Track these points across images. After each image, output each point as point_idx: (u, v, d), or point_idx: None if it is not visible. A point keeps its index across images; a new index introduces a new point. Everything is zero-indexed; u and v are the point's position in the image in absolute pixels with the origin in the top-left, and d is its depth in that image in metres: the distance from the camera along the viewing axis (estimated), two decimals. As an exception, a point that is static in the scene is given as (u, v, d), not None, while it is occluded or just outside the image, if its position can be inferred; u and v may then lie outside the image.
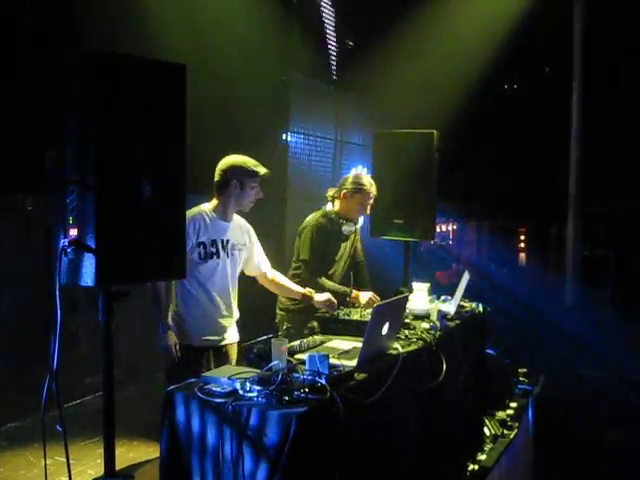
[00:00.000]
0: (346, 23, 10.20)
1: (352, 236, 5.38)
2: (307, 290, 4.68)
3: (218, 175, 4.27)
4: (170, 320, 4.26)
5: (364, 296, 4.98)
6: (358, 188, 5.13)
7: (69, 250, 2.99)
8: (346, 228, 5.19)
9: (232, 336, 4.42)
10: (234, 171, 4.23)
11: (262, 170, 4.27)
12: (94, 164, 2.96)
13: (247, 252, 4.49)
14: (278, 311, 5.17)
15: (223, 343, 4.35)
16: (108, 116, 3.01)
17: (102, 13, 6.18)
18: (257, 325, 4.89)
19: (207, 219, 4.22)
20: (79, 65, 3.08)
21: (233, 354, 4.42)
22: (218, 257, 4.25)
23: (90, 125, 2.99)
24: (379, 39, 10.37)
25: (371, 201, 5.23)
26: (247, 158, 4.29)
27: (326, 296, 4.62)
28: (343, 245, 5.29)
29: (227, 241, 4.30)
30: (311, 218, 5.21)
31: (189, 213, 4.02)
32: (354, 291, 5.04)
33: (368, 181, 5.20)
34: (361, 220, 5.46)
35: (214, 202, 4.30)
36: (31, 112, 5.53)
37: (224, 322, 4.34)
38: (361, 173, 5.50)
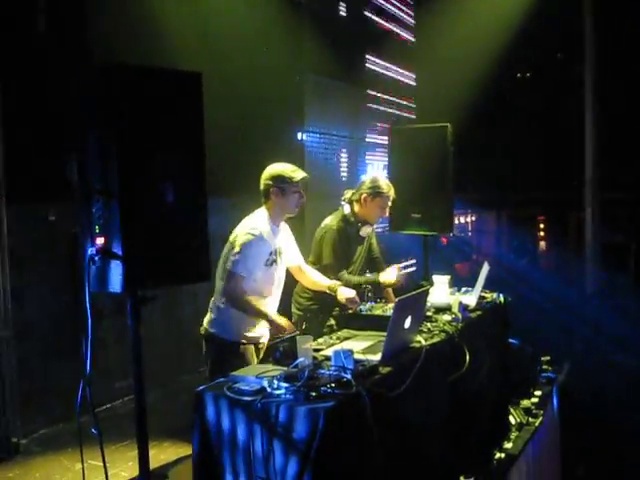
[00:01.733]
0: (359, 19, 10.23)
1: (369, 236, 5.43)
2: (333, 283, 4.76)
3: (261, 185, 4.45)
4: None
5: (390, 275, 5.03)
6: (377, 192, 5.15)
7: (97, 258, 3.07)
8: (364, 230, 5.25)
9: (267, 334, 4.53)
10: (273, 180, 4.40)
11: (299, 175, 4.43)
12: (117, 173, 3.04)
13: (287, 249, 4.64)
14: (295, 311, 5.20)
15: (262, 340, 4.49)
16: (128, 126, 3.08)
17: (117, 20, 6.27)
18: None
19: (269, 231, 4.38)
20: (97, 78, 3.15)
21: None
22: (276, 264, 4.44)
23: (111, 136, 3.06)
24: (391, 34, 10.43)
25: (390, 203, 5.25)
26: (286, 165, 4.46)
27: (351, 292, 4.66)
28: (359, 247, 5.34)
29: (279, 247, 4.49)
30: (331, 222, 5.21)
31: (263, 228, 4.29)
32: (380, 275, 5.08)
33: (386, 184, 5.21)
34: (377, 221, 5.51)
35: (264, 210, 4.46)
36: (53, 122, 5.64)
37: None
38: (378, 176, 5.50)
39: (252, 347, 4.42)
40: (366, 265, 5.42)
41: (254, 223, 4.34)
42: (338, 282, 4.79)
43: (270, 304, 4.47)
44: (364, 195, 5.17)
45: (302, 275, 4.84)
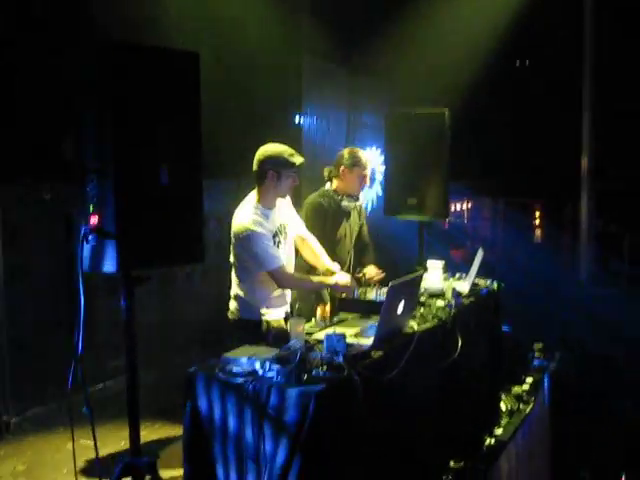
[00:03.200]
0: (358, 4, 10.17)
1: (356, 214, 5.37)
2: (332, 266, 4.65)
3: (256, 165, 4.28)
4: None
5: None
6: (355, 161, 5.15)
7: (90, 237, 3.07)
8: (345, 204, 5.17)
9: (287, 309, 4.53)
10: (270, 162, 4.24)
11: (298, 160, 4.29)
12: (112, 153, 3.03)
13: (291, 222, 4.56)
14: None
15: (279, 316, 4.43)
16: (124, 105, 3.08)
17: (112, 2, 6.24)
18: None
19: (260, 215, 4.26)
20: (94, 55, 3.14)
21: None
22: (281, 243, 4.37)
23: (107, 114, 3.06)
24: (390, 20, 10.37)
25: (368, 172, 5.25)
26: (283, 147, 4.30)
27: (347, 278, 4.51)
28: (345, 224, 5.25)
29: (280, 225, 4.40)
30: (309, 198, 5.19)
31: (252, 223, 4.15)
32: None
33: (362, 153, 5.25)
34: (362, 197, 5.45)
35: (256, 193, 4.34)
36: (48, 101, 5.61)
37: (285, 297, 4.46)
38: (354, 147, 5.50)
39: (280, 322, 4.38)
40: (357, 247, 5.39)
41: (244, 219, 4.19)
42: (337, 265, 4.71)
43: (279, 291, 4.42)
44: (342, 167, 5.16)
45: (304, 246, 4.70)
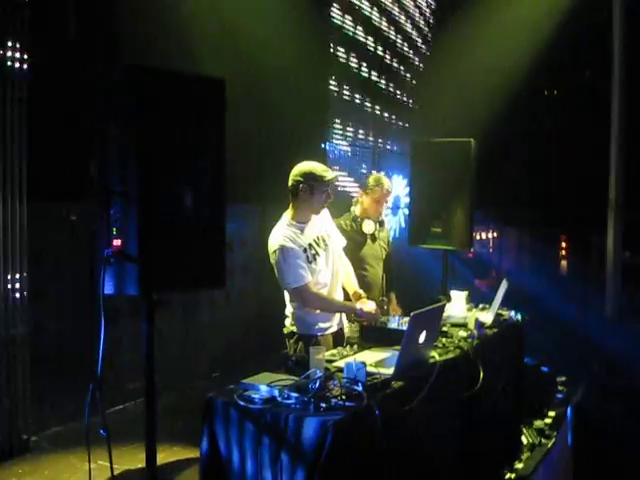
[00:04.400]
0: (384, 34, 10.24)
1: (383, 241, 5.50)
2: (362, 292, 4.70)
3: (290, 181, 4.45)
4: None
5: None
6: (374, 185, 5.38)
7: (112, 260, 3.08)
8: (366, 227, 5.37)
9: (338, 322, 4.64)
10: (303, 177, 4.40)
11: (330, 175, 4.44)
12: (137, 176, 3.04)
13: (333, 234, 4.69)
14: None
15: (332, 330, 4.57)
16: (150, 129, 3.09)
17: (144, 27, 6.32)
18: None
19: (293, 231, 4.40)
20: (122, 79, 3.17)
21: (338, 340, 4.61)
22: (318, 255, 4.47)
23: (132, 138, 3.08)
24: (418, 49, 10.42)
25: (388, 198, 5.47)
26: (316, 164, 4.47)
27: (372, 306, 4.56)
28: (369, 246, 5.42)
29: (318, 237, 4.51)
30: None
31: (282, 238, 4.31)
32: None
33: (382, 177, 5.47)
34: (387, 223, 5.58)
35: (291, 210, 4.49)
36: (76, 123, 5.68)
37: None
38: (377, 173, 5.74)
39: (330, 337, 4.54)
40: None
41: (276, 236, 4.36)
42: (364, 293, 4.73)
43: (334, 293, 4.57)
44: (362, 191, 5.47)
45: (341, 264, 4.80)
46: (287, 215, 4.48)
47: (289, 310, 4.54)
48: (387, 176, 5.69)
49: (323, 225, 4.62)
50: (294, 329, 4.50)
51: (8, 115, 5.30)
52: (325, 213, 4.67)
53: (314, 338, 4.43)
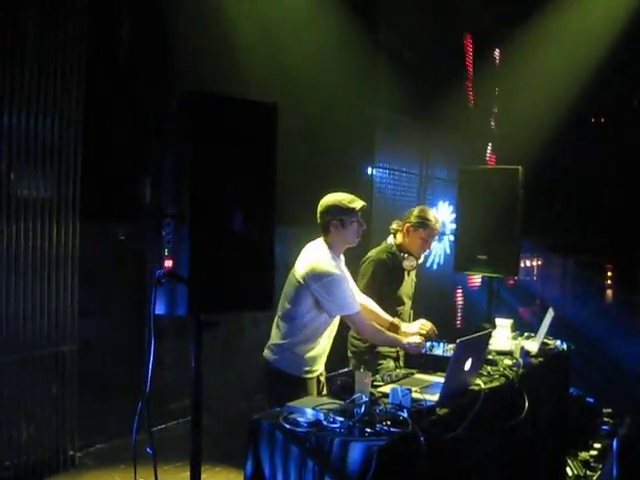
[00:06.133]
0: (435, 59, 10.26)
1: (413, 274, 5.24)
2: (396, 320, 4.65)
3: (319, 218, 4.31)
4: (273, 350, 4.31)
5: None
6: (422, 222, 4.99)
7: (163, 280, 3.13)
8: (407, 263, 5.02)
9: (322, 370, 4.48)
10: (331, 211, 4.26)
11: (358, 204, 4.28)
12: (189, 198, 3.09)
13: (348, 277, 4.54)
14: (350, 354, 5.06)
15: (318, 373, 4.40)
16: (203, 152, 3.14)
17: (195, 50, 6.44)
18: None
19: (336, 265, 4.25)
20: (176, 103, 3.23)
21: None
22: None
23: (185, 161, 3.13)
24: (467, 75, 10.44)
25: (435, 237, 5.13)
26: (342, 195, 4.30)
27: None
28: (406, 280, 5.12)
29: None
30: (372, 253, 5.09)
31: (334, 267, 4.17)
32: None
33: (434, 216, 5.07)
34: (421, 259, 5.26)
35: (324, 244, 4.32)
36: (128, 144, 5.80)
37: (323, 357, 4.41)
38: (427, 207, 5.33)
39: (314, 380, 4.34)
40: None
41: (325, 262, 4.18)
42: (401, 321, 4.67)
43: (320, 348, 4.34)
44: (408, 225, 5.02)
45: (363, 308, 4.55)
46: (325, 245, 4.31)
47: (275, 344, 4.30)
48: (432, 204, 5.56)
49: (345, 271, 4.46)
50: (277, 366, 4.25)
51: (64, 137, 5.44)
52: (343, 259, 4.47)
53: (300, 379, 4.23)
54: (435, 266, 10.59)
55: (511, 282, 11.81)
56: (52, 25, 5.29)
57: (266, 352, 4.35)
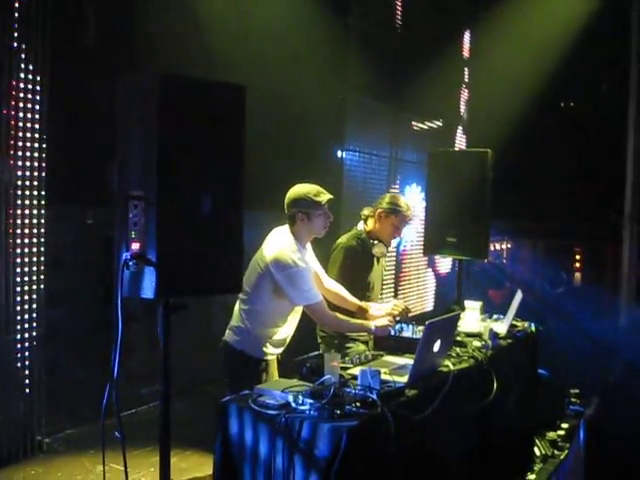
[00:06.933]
0: (402, 42, 10.25)
1: (383, 261, 5.23)
2: (364, 303, 4.65)
3: (286, 209, 4.31)
4: (235, 331, 4.31)
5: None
6: (394, 209, 4.96)
7: (131, 263, 3.10)
8: (377, 250, 4.99)
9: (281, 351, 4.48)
10: (297, 204, 4.25)
11: (324, 198, 4.26)
12: (156, 180, 3.06)
13: (314, 267, 4.55)
14: (319, 340, 5.03)
15: (278, 354, 4.41)
16: (170, 134, 3.11)
17: (162, 32, 6.38)
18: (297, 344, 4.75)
19: (300, 257, 4.23)
20: (143, 85, 3.20)
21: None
22: None
23: (152, 143, 3.10)
24: (437, 58, 10.43)
25: (406, 225, 5.12)
26: (309, 187, 4.29)
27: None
28: (375, 268, 5.08)
29: (311, 268, 4.40)
30: (341, 240, 5.05)
31: (297, 258, 4.16)
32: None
33: (405, 203, 5.03)
34: (394, 243, 5.26)
35: (290, 235, 4.31)
36: (94, 127, 5.72)
37: (286, 340, 4.42)
38: (399, 194, 5.31)
39: (274, 361, 4.36)
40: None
41: (288, 252, 4.17)
42: (369, 305, 4.68)
43: (284, 332, 4.36)
44: (379, 211, 4.99)
45: (326, 291, 4.58)
46: (291, 236, 4.29)
47: (242, 326, 4.28)
48: (402, 187, 5.58)
49: (311, 258, 4.48)
50: (238, 347, 4.25)
51: (29, 120, 5.36)
52: (309, 246, 4.49)
53: (261, 361, 4.25)
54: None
55: (477, 268, 11.89)
56: (15, 6, 5.19)
57: (228, 333, 4.36)
